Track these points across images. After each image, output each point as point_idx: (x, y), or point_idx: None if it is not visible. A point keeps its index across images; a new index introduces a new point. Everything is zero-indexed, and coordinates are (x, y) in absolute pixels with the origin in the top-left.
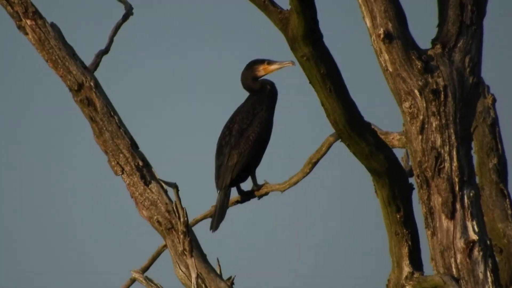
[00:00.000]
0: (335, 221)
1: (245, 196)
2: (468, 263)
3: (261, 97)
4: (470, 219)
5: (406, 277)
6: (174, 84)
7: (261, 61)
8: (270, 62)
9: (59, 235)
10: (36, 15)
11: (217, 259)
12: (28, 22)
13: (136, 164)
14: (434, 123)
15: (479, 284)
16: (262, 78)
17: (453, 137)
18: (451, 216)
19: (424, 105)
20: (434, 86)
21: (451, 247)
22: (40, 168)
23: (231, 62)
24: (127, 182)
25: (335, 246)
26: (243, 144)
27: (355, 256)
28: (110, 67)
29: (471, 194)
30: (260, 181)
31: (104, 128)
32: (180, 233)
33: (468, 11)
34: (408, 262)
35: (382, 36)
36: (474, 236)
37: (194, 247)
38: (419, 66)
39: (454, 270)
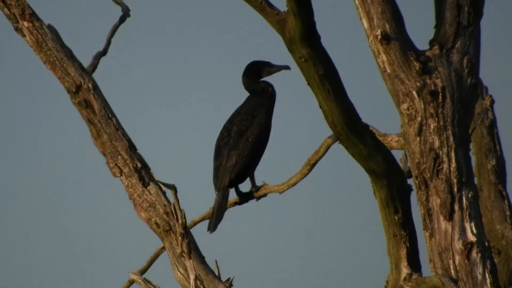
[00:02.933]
0: (334, 223)
1: (244, 198)
2: (466, 264)
3: (261, 98)
4: (469, 221)
5: (405, 278)
6: (171, 85)
7: (264, 63)
8: (271, 65)
9: (57, 237)
10: (33, 17)
11: (215, 261)
12: (25, 24)
13: (134, 165)
14: (432, 124)
15: (477, 285)
16: (262, 79)
17: (451, 139)
18: (450, 217)
19: (422, 106)
20: (432, 87)
21: (450, 248)
22: (38, 170)
23: (229, 64)
24: (126, 183)
25: (334, 248)
26: (242, 146)
27: (353, 258)
28: (108, 69)
29: (470, 195)
30: (258, 183)
31: (102, 130)
32: (178, 235)
33: (465, 12)
34: (406, 263)
35: (379, 37)
36: (472, 238)
37: (193, 248)
38: (417, 67)
39: (452, 271)
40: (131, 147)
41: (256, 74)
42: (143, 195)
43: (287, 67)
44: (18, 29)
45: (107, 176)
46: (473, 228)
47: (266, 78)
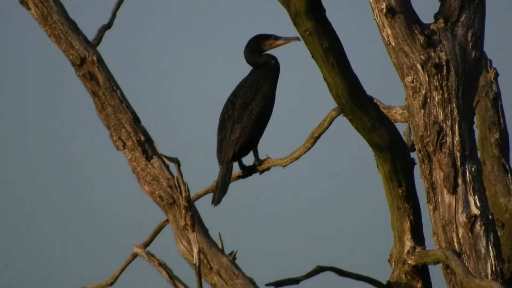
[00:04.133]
0: (337, 196)
1: (247, 171)
2: (470, 237)
3: (265, 71)
4: (472, 194)
5: (408, 251)
6: (176, 58)
7: (267, 36)
8: (276, 37)
9: (60, 210)
10: None
11: (219, 234)
12: None
13: (138, 139)
14: (437, 97)
15: (481, 258)
16: (265, 52)
17: (455, 112)
18: (453, 191)
19: (427, 79)
20: (437, 60)
21: (453, 221)
22: (42, 143)
23: (233, 36)
24: (129, 157)
25: (337, 221)
26: (246, 118)
27: (357, 231)
28: (112, 42)
29: (473, 169)
30: (262, 156)
31: (107, 103)
32: (182, 208)
33: None
34: (410, 236)
35: (384, 10)
36: (476, 211)
37: (196, 222)
38: (421, 41)
39: (456, 244)
40: (135, 120)
41: (258, 48)
42: (146, 169)
43: (296, 39)
44: (23, 2)
45: (110, 149)
46: (477, 201)
47: (272, 51)
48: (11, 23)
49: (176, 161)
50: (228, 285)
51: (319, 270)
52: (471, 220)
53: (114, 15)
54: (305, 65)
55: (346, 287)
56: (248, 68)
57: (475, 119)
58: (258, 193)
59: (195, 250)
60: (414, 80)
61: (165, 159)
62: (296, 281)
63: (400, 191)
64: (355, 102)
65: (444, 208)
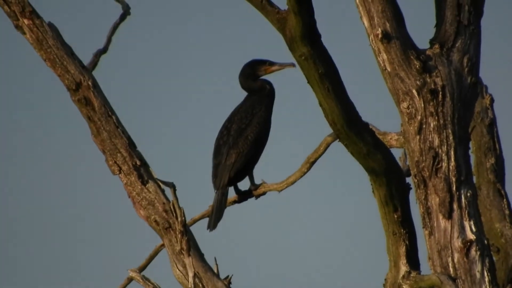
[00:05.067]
0: (333, 221)
1: (243, 196)
2: (465, 262)
3: (260, 97)
4: (468, 219)
5: (403, 276)
6: (171, 83)
7: (262, 61)
8: (271, 63)
9: (56, 234)
10: (34, 14)
11: (215, 259)
12: (26, 21)
13: (133, 163)
14: (432, 123)
15: (476, 283)
16: (262, 78)
17: (451, 137)
18: (449, 215)
19: (422, 105)
20: (432, 86)
21: (449, 246)
22: (37, 167)
23: (229, 62)
24: (125, 181)
25: (333, 246)
26: (242, 144)
27: (352, 256)
28: (108, 67)
29: (469, 194)
30: (257, 181)
31: (102, 128)
32: (177, 233)
33: (466, 11)
34: (405, 261)
35: (380, 36)
36: (471, 236)
37: (192, 246)
38: (417, 66)
39: (451, 269)
40: (131, 145)
41: (253, 73)
42: (142, 193)
43: (291, 65)
44: (18, 27)
45: (106, 173)
46: (472, 227)
47: (267, 76)
48: (6, 48)
49: (171, 186)
50: None
51: None
52: (467, 245)
53: (109, 40)
54: (301, 90)
55: None
56: (243, 94)
57: (470, 145)
58: (254, 218)
59: (191, 274)
60: (410, 106)
61: (160, 184)
62: None
63: (395, 216)
64: (351, 128)
65: (439, 233)
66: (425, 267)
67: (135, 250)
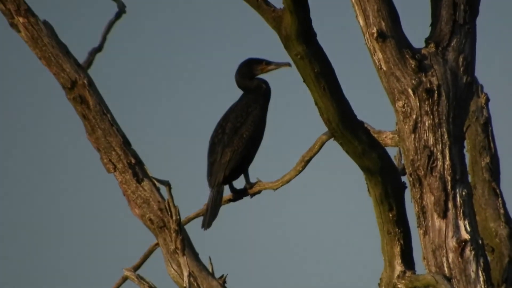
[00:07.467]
0: (328, 220)
1: (238, 194)
2: (460, 262)
3: (256, 95)
4: (462, 218)
5: (398, 276)
6: (166, 81)
7: (259, 60)
8: (268, 62)
9: (51, 233)
10: (29, 13)
11: (209, 258)
12: (21, 20)
13: (128, 161)
14: (427, 122)
15: (470, 283)
16: (258, 77)
17: (445, 136)
18: (443, 215)
19: (418, 104)
20: (428, 85)
21: (443, 246)
22: (31, 165)
23: (224, 60)
24: (120, 179)
25: (327, 245)
26: (237, 142)
27: (347, 255)
28: (103, 65)
29: (464, 193)
30: (252, 179)
31: (97, 126)
32: (172, 232)
33: (461, 10)
34: (400, 261)
35: (375, 35)
36: (466, 236)
37: (186, 245)
38: (413, 65)
39: (446, 269)
40: (125, 143)
41: (249, 72)
42: (137, 191)
43: (287, 64)
44: (13, 25)
45: (101, 172)
46: (467, 226)
47: (264, 75)
48: (1, 46)
49: (167, 184)
50: None
51: None
52: (461, 244)
53: (104, 38)
54: (296, 89)
55: None
56: (239, 92)
57: (465, 144)
58: (249, 216)
59: (185, 273)
60: (405, 105)
61: (156, 182)
62: None
63: (390, 215)
64: (346, 127)
65: (434, 233)
66: (420, 266)
67: (130, 249)
